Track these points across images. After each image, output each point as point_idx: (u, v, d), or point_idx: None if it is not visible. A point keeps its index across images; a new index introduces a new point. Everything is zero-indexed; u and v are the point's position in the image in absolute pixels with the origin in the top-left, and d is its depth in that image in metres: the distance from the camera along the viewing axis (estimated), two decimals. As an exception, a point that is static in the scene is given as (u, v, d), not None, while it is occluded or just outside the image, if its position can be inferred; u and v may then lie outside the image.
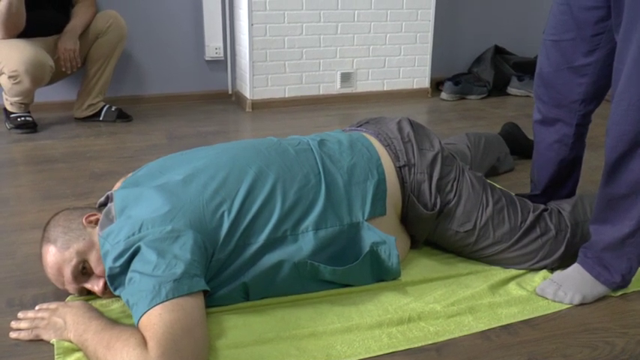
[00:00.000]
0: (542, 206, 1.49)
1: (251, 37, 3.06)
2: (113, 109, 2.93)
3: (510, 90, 3.66)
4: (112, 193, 1.32)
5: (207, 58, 3.34)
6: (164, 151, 2.42)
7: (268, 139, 1.45)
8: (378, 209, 1.36)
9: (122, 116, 2.93)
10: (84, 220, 1.27)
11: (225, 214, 1.21)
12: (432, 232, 1.48)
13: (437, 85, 3.71)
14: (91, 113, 2.91)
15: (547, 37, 1.49)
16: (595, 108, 1.52)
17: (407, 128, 1.49)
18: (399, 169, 1.43)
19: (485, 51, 3.82)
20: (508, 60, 3.77)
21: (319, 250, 1.27)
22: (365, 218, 1.33)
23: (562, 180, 1.63)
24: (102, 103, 2.92)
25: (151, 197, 1.22)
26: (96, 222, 1.27)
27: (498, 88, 3.68)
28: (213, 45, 3.31)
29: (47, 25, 2.73)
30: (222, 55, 3.34)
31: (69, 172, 2.18)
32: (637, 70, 1.17)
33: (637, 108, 1.17)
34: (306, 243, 1.25)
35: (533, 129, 1.64)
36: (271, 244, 1.23)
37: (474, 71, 3.77)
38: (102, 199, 1.37)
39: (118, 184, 1.44)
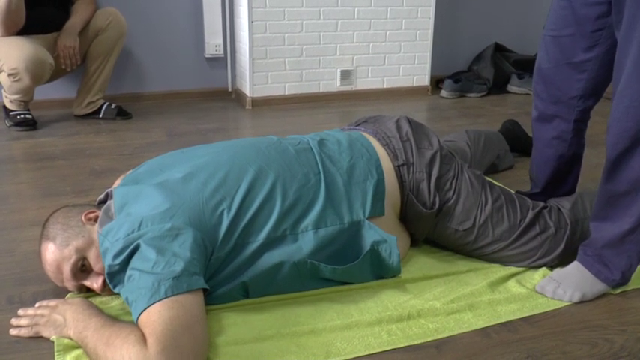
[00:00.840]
0: (541, 204, 1.49)
1: (251, 34, 3.06)
2: (113, 107, 2.93)
3: (510, 88, 3.66)
4: (111, 191, 1.32)
5: (207, 56, 3.34)
6: (164, 148, 2.42)
7: (268, 138, 1.45)
8: (377, 209, 1.36)
9: (122, 114, 2.94)
10: (83, 218, 1.27)
11: (225, 212, 1.21)
12: (431, 231, 1.48)
13: (437, 82, 3.71)
14: (90, 111, 2.92)
15: (547, 32, 1.49)
16: (594, 104, 1.52)
17: (405, 127, 1.49)
18: (398, 169, 1.43)
19: (485, 49, 3.82)
20: (508, 58, 3.77)
21: (319, 249, 1.27)
22: (366, 217, 1.33)
23: (561, 177, 1.63)
24: (102, 101, 2.93)
25: (151, 195, 1.22)
26: (95, 219, 1.28)
27: (498, 86, 3.68)
28: (213, 42, 3.31)
29: (47, 23, 2.73)
30: (222, 52, 3.34)
31: (69, 170, 2.18)
32: (638, 67, 1.17)
33: (638, 105, 1.17)
34: (305, 242, 1.25)
35: (531, 126, 1.63)
36: (271, 243, 1.23)
37: (474, 69, 3.77)
38: (101, 196, 1.37)
39: (118, 182, 1.44)
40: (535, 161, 1.66)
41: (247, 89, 3.19)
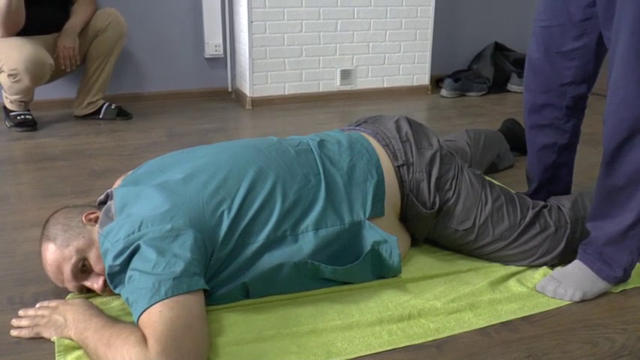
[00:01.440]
0: (541, 203, 1.49)
1: (251, 34, 3.06)
2: (113, 107, 2.93)
3: (510, 87, 3.66)
4: (111, 191, 1.32)
5: (206, 56, 3.33)
6: (164, 148, 2.42)
7: (268, 138, 1.45)
8: (377, 210, 1.36)
9: (122, 114, 2.93)
10: (83, 218, 1.27)
11: (225, 213, 1.21)
12: (431, 231, 1.48)
13: (437, 82, 3.71)
14: (90, 111, 2.91)
15: (537, 23, 1.51)
16: (586, 92, 1.52)
17: (405, 127, 1.49)
18: (398, 169, 1.43)
19: (485, 48, 3.81)
20: (508, 57, 3.77)
21: (320, 250, 1.27)
22: (366, 217, 1.33)
23: (556, 171, 1.62)
24: (102, 101, 2.93)
25: (151, 195, 1.22)
26: (95, 220, 1.28)
27: (498, 85, 3.68)
28: (213, 42, 3.31)
29: (47, 23, 2.73)
30: (221, 52, 3.34)
31: (69, 170, 2.18)
32: (632, 57, 1.17)
33: (634, 95, 1.18)
34: (306, 243, 1.25)
35: (523, 120, 1.63)
36: (271, 244, 1.23)
37: (473, 68, 3.77)
38: (102, 197, 1.37)
39: (118, 182, 1.44)
40: (530, 155, 1.66)
41: (247, 89, 3.19)
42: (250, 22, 3.04)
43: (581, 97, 1.52)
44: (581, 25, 1.43)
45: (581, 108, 1.55)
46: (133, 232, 1.15)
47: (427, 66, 3.50)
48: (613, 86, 1.21)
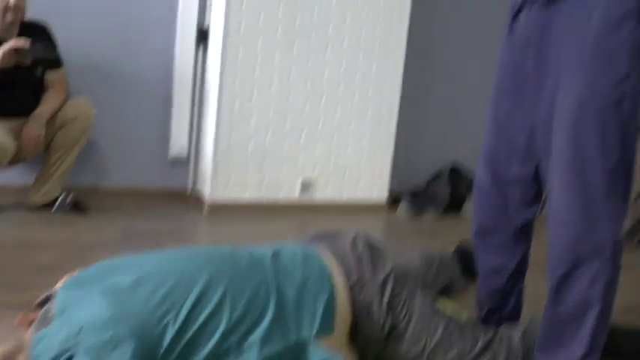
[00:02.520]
0: (492, 331, 1.49)
1: (216, 138, 3.10)
2: (68, 201, 2.84)
3: (465, 211, 3.71)
4: (53, 292, 1.27)
5: (170, 156, 3.35)
6: (117, 248, 2.36)
7: (222, 247, 1.44)
8: (326, 327, 1.34)
9: (78, 208, 2.86)
10: (16, 321, 1.21)
11: (170, 323, 1.17)
12: (381, 351, 1.45)
13: (395, 200, 3.76)
14: (47, 201, 2.83)
15: (484, 149, 1.57)
16: (532, 216, 1.55)
17: (360, 246, 1.50)
18: (351, 288, 1.42)
19: (442, 169, 3.90)
20: (464, 180, 3.85)
21: (263, 367, 1.23)
22: (313, 335, 1.31)
23: (506, 295, 1.63)
24: (58, 192, 2.85)
25: (95, 301, 1.17)
26: (29, 324, 1.22)
27: (455, 207, 3.75)
28: (179, 143, 3.33)
29: (16, 107, 2.71)
30: (185, 154, 3.36)
31: (12, 262, 2.10)
32: (570, 190, 1.22)
33: (574, 228, 1.21)
34: (249, 359, 1.21)
35: (472, 242, 1.66)
36: (213, 358, 1.19)
37: (431, 188, 3.83)
38: (42, 297, 1.32)
39: (63, 282, 1.39)
40: (479, 280, 1.67)
41: (207, 194, 3.18)
42: (217, 126, 3.08)
43: (529, 222, 1.56)
44: (525, 152, 1.47)
45: (527, 232, 1.59)
46: (71, 338, 1.09)
47: (386, 182, 3.55)
48: (553, 217, 1.25)
